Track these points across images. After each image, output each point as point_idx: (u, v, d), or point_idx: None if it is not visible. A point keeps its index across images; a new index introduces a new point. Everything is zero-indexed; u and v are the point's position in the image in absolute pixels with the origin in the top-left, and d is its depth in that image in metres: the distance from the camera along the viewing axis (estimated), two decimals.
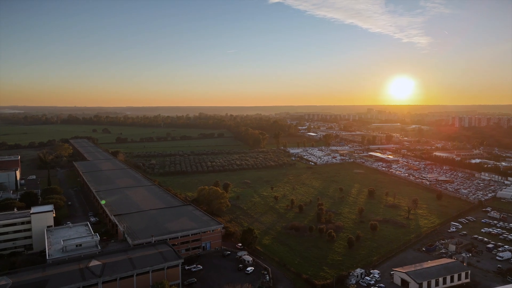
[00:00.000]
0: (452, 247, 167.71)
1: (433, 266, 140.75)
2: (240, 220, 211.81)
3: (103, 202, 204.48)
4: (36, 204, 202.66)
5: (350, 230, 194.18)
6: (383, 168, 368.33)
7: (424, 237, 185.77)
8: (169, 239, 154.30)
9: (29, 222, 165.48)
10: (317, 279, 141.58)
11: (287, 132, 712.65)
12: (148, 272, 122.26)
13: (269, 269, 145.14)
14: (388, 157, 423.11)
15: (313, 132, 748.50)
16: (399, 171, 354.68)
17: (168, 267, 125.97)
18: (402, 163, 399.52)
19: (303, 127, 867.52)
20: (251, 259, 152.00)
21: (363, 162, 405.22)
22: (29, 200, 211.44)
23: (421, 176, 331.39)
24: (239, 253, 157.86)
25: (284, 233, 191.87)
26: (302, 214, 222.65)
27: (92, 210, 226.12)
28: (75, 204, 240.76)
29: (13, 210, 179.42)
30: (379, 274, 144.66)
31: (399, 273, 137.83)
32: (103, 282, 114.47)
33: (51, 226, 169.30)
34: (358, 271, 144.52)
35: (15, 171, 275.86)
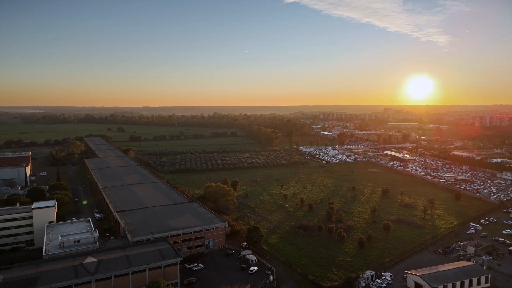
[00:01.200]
0: (471, 249, 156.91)
1: (450, 269, 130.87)
2: (247, 219, 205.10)
3: (84, 202, 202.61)
4: (43, 200, 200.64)
5: (361, 230, 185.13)
6: (399, 167, 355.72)
7: (440, 239, 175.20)
8: (170, 236, 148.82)
9: (30, 217, 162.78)
10: (324, 280, 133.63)
11: (301, 131, 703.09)
12: (144, 270, 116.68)
13: (274, 270, 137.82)
14: (404, 156, 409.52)
15: (327, 131, 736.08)
16: (415, 170, 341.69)
17: (166, 265, 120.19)
18: (418, 162, 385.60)
19: (317, 126, 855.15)
20: (255, 258, 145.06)
21: (378, 161, 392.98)
22: (35, 196, 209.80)
23: (439, 175, 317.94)
24: (243, 252, 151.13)
25: (292, 232, 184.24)
26: (312, 213, 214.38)
27: (99, 206, 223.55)
28: (81, 201, 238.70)
29: (16, 205, 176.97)
30: (391, 277, 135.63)
31: (413, 276, 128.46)
32: (96, 280, 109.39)
33: (53, 221, 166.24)
34: (369, 273, 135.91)
35: (25, 167, 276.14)
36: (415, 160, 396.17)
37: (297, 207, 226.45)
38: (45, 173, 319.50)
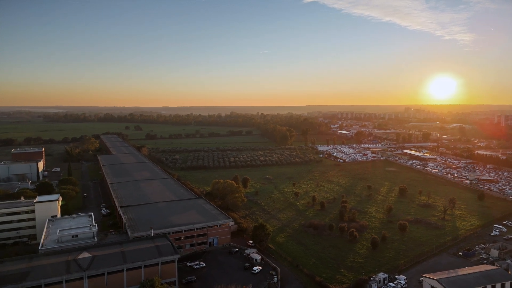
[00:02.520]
0: (495, 252, 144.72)
1: (471, 273, 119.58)
2: (256, 216, 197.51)
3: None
4: (52, 194, 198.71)
5: (375, 230, 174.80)
6: (418, 166, 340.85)
7: (461, 240, 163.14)
8: (172, 232, 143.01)
9: (33, 211, 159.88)
10: (332, 282, 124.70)
11: (317, 130, 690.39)
12: (140, 267, 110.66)
13: (278, 270, 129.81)
14: (425, 155, 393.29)
15: (345, 130, 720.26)
16: (435, 169, 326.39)
17: (163, 263, 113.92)
18: (439, 161, 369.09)
19: (335, 126, 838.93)
20: (260, 257, 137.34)
21: (396, 160, 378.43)
22: (44, 190, 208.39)
23: (461, 175, 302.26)
24: (247, 251, 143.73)
25: (301, 231, 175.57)
26: (324, 212, 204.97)
27: (107, 202, 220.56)
28: (90, 196, 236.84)
29: (21, 199, 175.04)
30: (406, 280, 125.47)
31: (430, 280, 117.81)
32: (89, 276, 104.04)
33: (56, 216, 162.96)
34: (381, 275, 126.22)
35: (37, 162, 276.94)
36: (435, 159, 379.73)
37: (309, 205, 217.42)
38: (58, 169, 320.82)
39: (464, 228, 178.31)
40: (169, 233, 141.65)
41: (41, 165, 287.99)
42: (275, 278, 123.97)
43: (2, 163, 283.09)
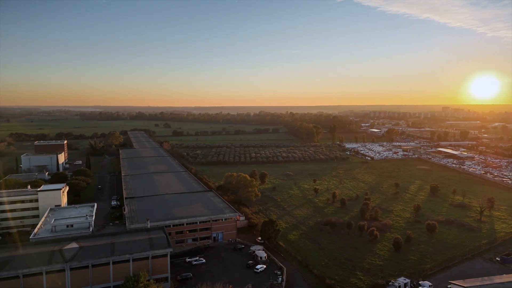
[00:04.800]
0: None
1: (509, 282, 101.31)
2: (269, 212, 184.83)
3: None
4: None
5: (400, 230, 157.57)
6: (454, 165, 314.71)
7: (499, 244, 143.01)
8: (173, 225, 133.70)
9: (37, 200, 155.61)
10: (345, 286, 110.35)
11: (347, 128, 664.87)
12: (128, 260, 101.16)
13: (284, 269, 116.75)
14: (462, 154, 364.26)
15: (376, 129, 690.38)
16: (473, 168, 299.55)
17: (153, 257, 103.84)
18: (478, 160, 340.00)
19: (366, 124, 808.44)
20: (265, 255, 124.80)
21: (430, 158, 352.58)
22: (58, 181, 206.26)
23: (502, 174, 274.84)
24: (253, 248, 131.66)
25: (316, 228, 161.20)
26: (344, 210, 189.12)
27: (119, 194, 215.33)
28: (105, 188, 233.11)
29: (27, 187, 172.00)
30: (431, 287, 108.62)
31: None
32: (71, 268, 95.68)
33: (60, 205, 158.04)
34: (401, 280, 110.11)
35: (57, 154, 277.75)
36: (474, 157, 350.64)
37: (328, 202, 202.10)
38: (80, 162, 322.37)
39: (503, 231, 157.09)
40: (169, 226, 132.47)
41: (62, 157, 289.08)
42: (280, 279, 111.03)
43: (24, 154, 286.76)
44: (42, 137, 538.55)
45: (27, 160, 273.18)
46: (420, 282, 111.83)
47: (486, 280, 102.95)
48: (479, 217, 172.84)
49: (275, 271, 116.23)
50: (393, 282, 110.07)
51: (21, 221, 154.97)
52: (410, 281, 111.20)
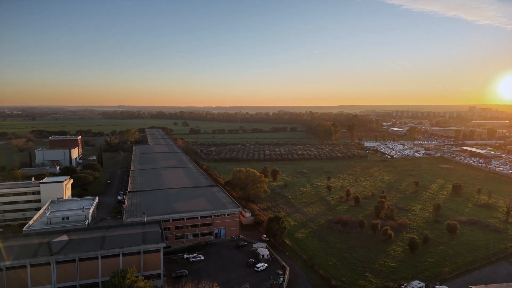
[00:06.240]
0: None
1: None
2: (278, 209, 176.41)
3: None
4: None
5: (417, 230, 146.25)
6: (479, 164, 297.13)
7: None
8: (172, 220, 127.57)
9: (39, 192, 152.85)
10: None
11: (367, 127, 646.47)
12: (117, 255, 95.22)
13: (287, 269, 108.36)
14: (488, 153, 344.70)
15: (398, 128, 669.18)
16: (500, 167, 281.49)
17: (145, 252, 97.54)
18: (506, 159, 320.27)
19: (388, 123, 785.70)
20: (268, 253, 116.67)
21: (453, 157, 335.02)
22: (67, 174, 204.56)
23: None
24: (255, 245, 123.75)
25: (326, 227, 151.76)
26: (358, 208, 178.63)
27: (127, 188, 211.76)
28: (114, 183, 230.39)
29: (31, 179, 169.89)
30: None
31: None
32: (57, 262, 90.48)
33: (61, 198, 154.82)
34: (415, 284, 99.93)
35: (70, 149, 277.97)
36: (501, 156, 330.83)
37: (341, 200, 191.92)
38: (94, 158, 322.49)
39: None
40: (168, 221, 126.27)
41: (75, 152, 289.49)
42: (281, 278, 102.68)
43: (39, 149, 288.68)
44: (63, 133, 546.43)
45: (41, 155, 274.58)
46: (436, 286, 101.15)
47: None
48: (506, 218, 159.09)
49: (277, 270, 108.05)
50: (406, 285, 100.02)
51: (23, 214, 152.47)
52: (426, 285, 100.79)
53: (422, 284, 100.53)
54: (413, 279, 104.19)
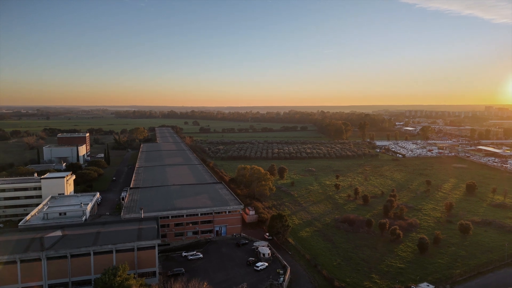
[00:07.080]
0: None
1: None
2: (284, 207, 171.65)
3: None
4: None
5: (428, 230, 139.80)
6: (495, 164, 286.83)
7: None
8: (172, 217, 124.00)
9: (40, 188, 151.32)
10: None
11: (380, 126, 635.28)
12: (111, 251, 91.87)
13: (288, 268, 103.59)
14: (505, 152, 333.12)
15: (410, 127, 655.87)
16: None
17: (139, 248, 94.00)
18: None
19: (401, 123, 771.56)
20: (269, 252, 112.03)
21: (468, 157, 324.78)
22: (72, 171, 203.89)
23: None
24: (256, 243, 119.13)
25: (332, 226, 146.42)
26: (366, 207, 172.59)
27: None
28: (119, 180, 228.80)
29: (34, 175, 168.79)
30: None
31: None
32: (48, 258, 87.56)
33: (63, 193, 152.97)
34: (424, 286, 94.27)
35: (77, 146, 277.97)
36: None
37: (349, 199, 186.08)
38: (102, 155, 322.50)
39: None
40: (167, 217, 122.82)
41: (83, 149, 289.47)
42: (281, 278, 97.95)
43: (47, 146, 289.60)
44: (74, 132, 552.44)
45: (49, 152, 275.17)
46: None
47: None
48: None
49: (277, 270, 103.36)
50: (413, 287, 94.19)
51: (24, 209, 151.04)
52: None
53: (431, 286, 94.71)
54: (422, 281, 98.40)
